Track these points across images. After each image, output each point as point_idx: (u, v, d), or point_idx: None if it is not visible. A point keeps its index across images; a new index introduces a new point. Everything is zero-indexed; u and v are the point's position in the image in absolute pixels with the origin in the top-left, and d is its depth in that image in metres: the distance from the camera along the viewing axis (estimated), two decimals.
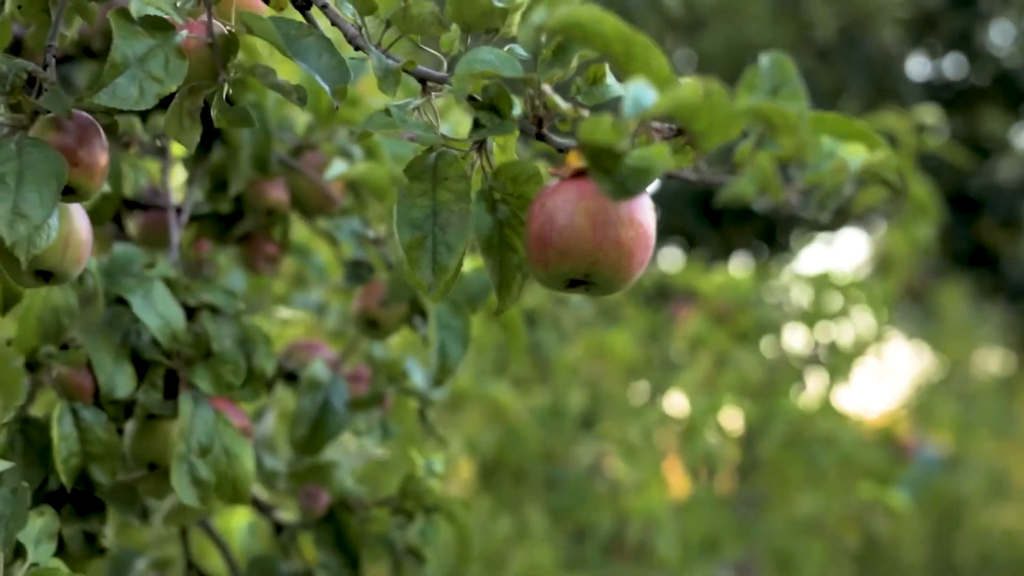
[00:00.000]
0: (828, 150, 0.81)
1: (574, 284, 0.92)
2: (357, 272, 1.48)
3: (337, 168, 1.46)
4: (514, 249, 0.96)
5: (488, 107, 0.94)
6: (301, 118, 1.63)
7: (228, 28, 1.08)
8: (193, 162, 1.53)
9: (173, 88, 1.00)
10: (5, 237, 0.90)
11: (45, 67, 1.05)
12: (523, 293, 0.99)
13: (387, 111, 0.96)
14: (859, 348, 3.98)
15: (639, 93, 0.79)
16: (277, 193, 1.54)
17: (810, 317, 3.94)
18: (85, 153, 1.01)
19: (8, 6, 1.08)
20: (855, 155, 0.80)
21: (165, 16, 1.02)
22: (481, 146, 0.98)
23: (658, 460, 4.06)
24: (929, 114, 3.18)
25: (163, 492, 1.31)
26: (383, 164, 1.51)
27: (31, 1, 1.12)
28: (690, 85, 0.78)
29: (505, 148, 1.02)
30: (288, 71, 1.26)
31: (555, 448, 4.01)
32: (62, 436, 1.16)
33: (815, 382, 4.12)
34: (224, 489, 1.26)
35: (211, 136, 1.54)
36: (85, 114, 1.02)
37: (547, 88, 0.92)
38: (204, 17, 1.07)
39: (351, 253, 1.58)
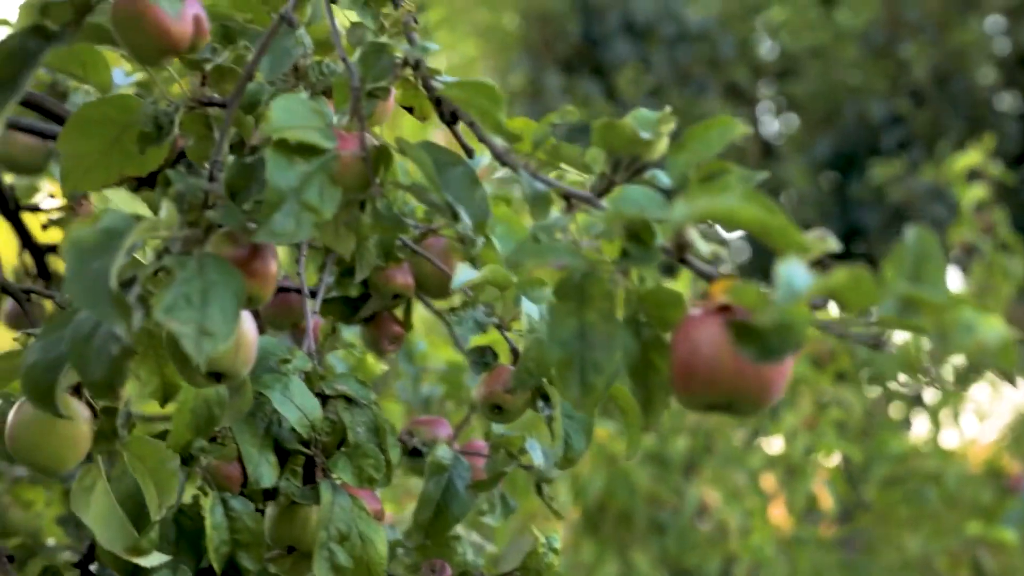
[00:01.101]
0: (967, 324, 0.83)
1: (714, 407, 0.96)
2: (482, 358, 1.53)
3: (464, 275, 1.51)
4: (658, 370, 1.00)
5: (634, 237, 0.99)
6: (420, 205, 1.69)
7: (379, 141, 1.13)
8: (324, 249, 1.59)
9: (328, 216, 1.05)
10: (193, 355, 0.94)
11: (212, 181, 1.11)
12: None
13: (535, 238, 1.00)
14: (963, 384, 3.97)
15: (792, 276, 0.82)
16: (403, 278, 1.60)
17: (911, 355, 3.93)
18: (258, 263, 1.06)
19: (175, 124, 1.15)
20: (993, 330, 0.83)
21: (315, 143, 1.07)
22: (625, 270, 1.02)
23: (763, 503, 4.07)
24: None
25: (300, 573, 1.36)
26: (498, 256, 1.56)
27: (193, 117, 1.19)
28: (841, 272, 0.82)
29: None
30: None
31: (660, 492, 4.04)
32: (214, 526, 1.22)
33: (918, 420, 4.11)
34: (359, 573, 1.31)
35: None
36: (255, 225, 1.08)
37: (690, 229, 0.96)
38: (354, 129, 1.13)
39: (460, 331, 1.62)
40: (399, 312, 1.67)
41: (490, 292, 1.65)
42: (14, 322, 2.01)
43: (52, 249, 2.10)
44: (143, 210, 1.30)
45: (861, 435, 4.09)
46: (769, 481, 4.20)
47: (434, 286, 1.64)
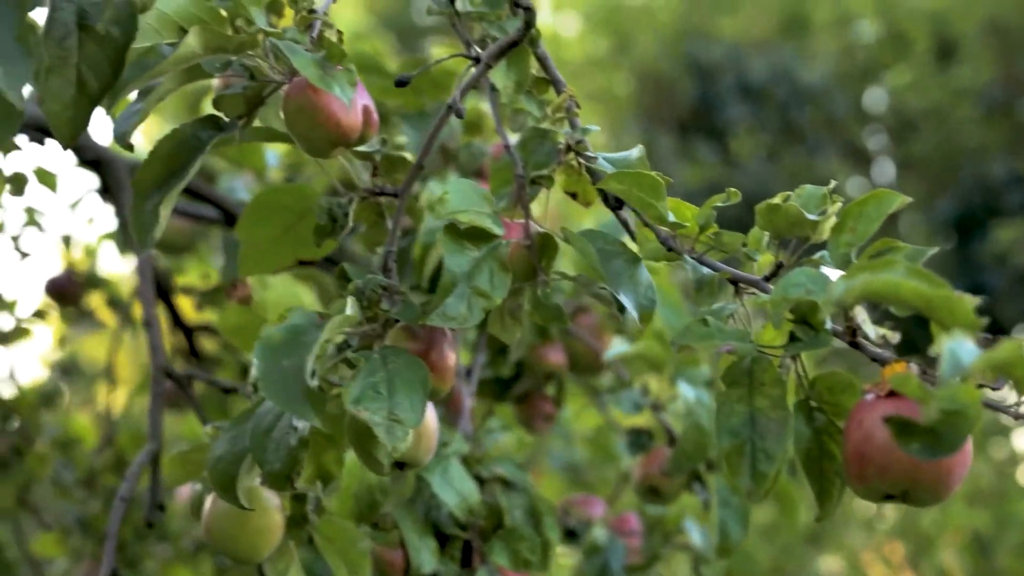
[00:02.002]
0: None
1: (890, 497, 0.94)
2: (638, 440, 1.53)
3: (618, 348, 1.52)
4: (832, 457, 0.98)
5: (802, 321, 0.98)
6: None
7: (544, 229, 1.14)
8: (477, 329, 1.60)
9: (499, 302, 1.06)
10: (384, 442, 0.96)
11: (386, 271, 1.13)
12: None
13: (704, 321, 1.00)
14: None
15: (958, 351, 0.80)
16: (556, 357, 1.61)
17: None
18: (437, 356, 1.08)
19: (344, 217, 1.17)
20: None
21: (486, 228, 1.09)
22: (795, 355, 1.01)
23: (891, 574, 3.99)
24: None
25: None
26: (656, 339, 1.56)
27: (364, 206, 1.21)
28: (1007, 345, 0.80)
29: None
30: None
31: (783, 563, 3.97)
32: None
33: None
34: None
35: None
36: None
37: (859, 310, 0.95)
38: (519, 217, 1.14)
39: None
40: (551, 390, 1.68)
41: (639, 366, 1.65)
42: (172, 402, 2.06)
43: (202, 329, 2.15)
44: (304, 294, 1.34)
45: (990, 501, 3.99)
46: (896, 551, 4.11)
47: (586, 364, 1.66)
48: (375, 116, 1.10)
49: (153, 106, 1.08)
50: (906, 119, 8.02)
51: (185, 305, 2.20)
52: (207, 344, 2.22)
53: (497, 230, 1.08)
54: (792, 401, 1.00)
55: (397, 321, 1.08)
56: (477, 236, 1.08)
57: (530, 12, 1.15)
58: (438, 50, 1.67)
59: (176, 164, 1.06)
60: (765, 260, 1.06)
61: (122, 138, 1.09)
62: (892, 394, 0.92)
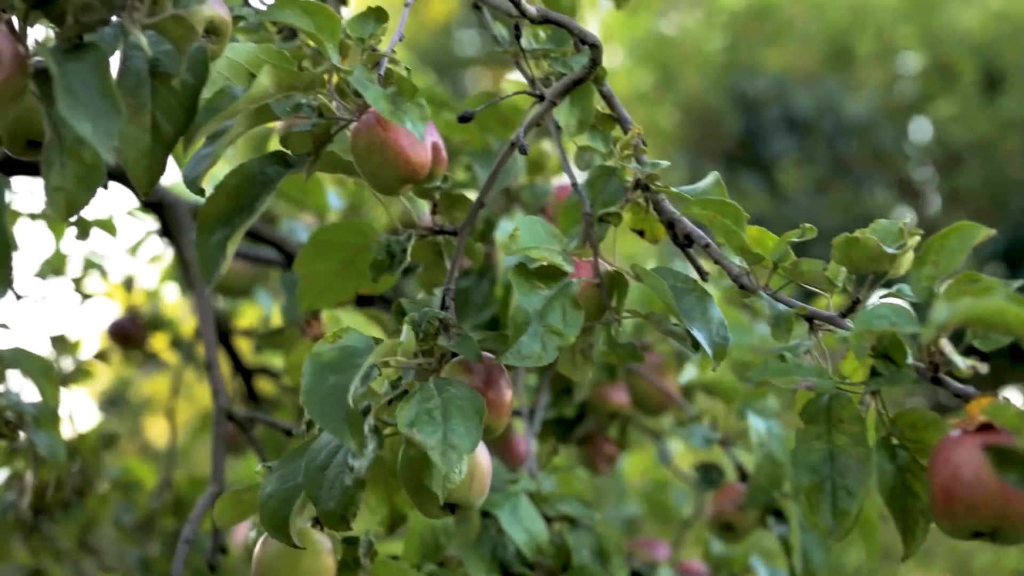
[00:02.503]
0: None
1: (979, 535, 0.92)
2: (708, 476, 1.52)
3: (689, 373, 1.51)
4: (916, 495, 0.97)
5: (883, 356, 0.97)
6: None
7: (614, 267, 1.14)
8: (540, 370, 1.59)
9: (572, 340, 1.05)
10: (439, 466, 0.95)
11: (444, 309, 1.12)
12: None
13: (782, 357, 0.99)
14: None
15: None
16: (620, 397, 1.60)
17: None
18: (493, 393, 1.06)
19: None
20: None
21: (557, 264, 1.08)
22: (875, 391, 0.99)
23: None
24: None
25: None
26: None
27: (422, 245, 1.21)
28: None
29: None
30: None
31: None
32: None
33: None
34: None
35: None
36: (488, 354, 1.09)
37: (944, 343, 0.93)
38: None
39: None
40: (613, 431, 1.67)
41: (701, 402, 1.64)
42: (232, 444, 2.06)
43: (260, 371, 2.15)
44: (375, 331, 1.34)
45: None
46: None
47: (650, 403, 1.64)
48: (444, 153, 1.09)
49: (223, 150, 1.08)
50: (953, 151, 7.96)
51: (244, 347, 2.21)
52: (265, 386, 2.23)
53: (567, 267, 1.08)
54: (873, 438, 0.98)
55: (453, 355, 1.07)
56: (547, 275, 1.08)
57: (596, 49, 1.15)
58: (505, 86, 1.66)
59: (243, 199, 1.06)
60: (838, 296, 1.05)
61: (193, 183, 1.09)
62: (982, 429, 0.91)
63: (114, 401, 3.81)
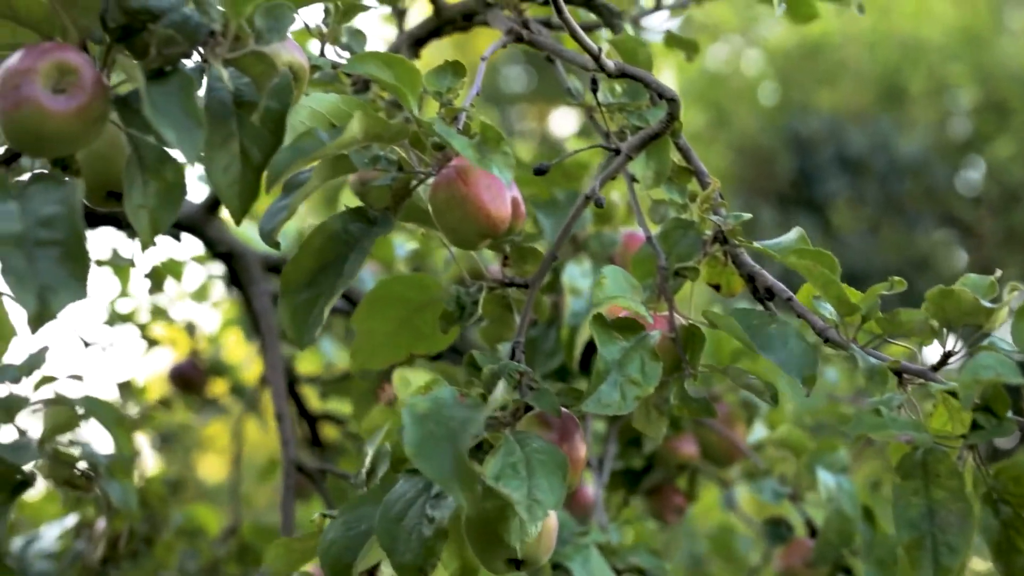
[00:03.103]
0: None
1: None
2: (777, 531, 1.50)
3: (758, 433, 1.50)
4: (1020, 551, 0.95)
5: (984, 408, 0.95)
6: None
7: (689, 320, 1.12)
8: (608, 421, 1.58)
9: (651, 390, 1.04)
10: (525, 520, 0.94)
11: (514, 360, 1.11)
12: None
13: (877, 411, 0.97)
14: None
15: None
16: (689, 448, 1.59)
17: None
18: (569, 448, 1.05)
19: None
20: None
21: (635, 317, 1.07)
22: (973, 444, 0.98)
23: None
24: None
25: None
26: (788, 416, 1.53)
27: (491, 298, 1.20)
28: None
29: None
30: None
31: None
32: None
33: None
34: None
35: None
36: (565, 409, 1.08)
37: None
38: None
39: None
40: (682, 482, 1.65)
41: (773, 454, 1.62)
42: (296, 493, 2.05)
43: (324, 417, 2.15)
44: None
45: None
46: None
47: (719, 454, 1.62)
48: (523, 207, 1.09)
49: (300, 202, 1.07)
50: (1008, 189, 7.89)
51: (309, 394, 2.21)
52: (329, 432, 2.22)
53: (649, 319, 1.07)
54: (972, 492, 0.97)
55: (528, 409, 1.06)
56: (626, 326, 1.07)
57: (674, 104, 1.14)
58: (575, 140, 1.66)
59: (327, 259, 1.05)
60: (924, 343, 1.03)
61: (269, 236, 1.09)
62: None
63: (166, 439, 3.82)
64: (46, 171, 0.89)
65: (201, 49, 0.92)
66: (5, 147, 0.91)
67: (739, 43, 8.36)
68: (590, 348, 1.48)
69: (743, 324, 1.06)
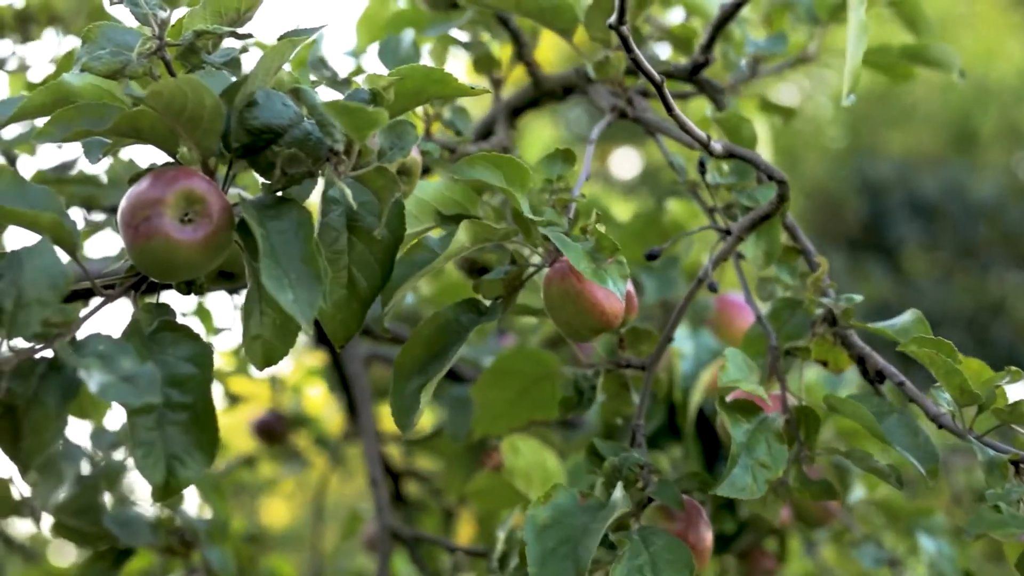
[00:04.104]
0: None
1: None
2: None
3: (858, 492, 1.49)
4: None
5: None
6: None
7: (803, 401, 1.12)
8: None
9: (780, 473, 1.04)
10: None
11: (635, 445, 1.12)
12: None
13: (997, 508, 0.96)
14: None
15: None
16: (781, 513, 1.57)
17: None
18: (694, 538, 1.06)
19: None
20: None
21: (753, 398, 1.08)
22: None
23: None
24: None
25: None
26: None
27: (610, 376, 1.20)
28: None
29: None
30: None
31: None
32: None
33: None
34: None
35: (714, 455, 1.59)
36: (688, 497, 1.08)
37: None
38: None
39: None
40: (772, 545, 1.63)
41: (869, 517, 1.61)
42: (373, 547, 2.06)
43: (408, 474, 2.16)
44: (550, 459, 1.34)
45: None
46: None
47: (811, 517, 1.61)
48: (636, 301, 1.09)
49: (408, 289, 1.08)
50: None
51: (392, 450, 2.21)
52: (412, 488, 2.23)
53: (767, 403, 1.08)
54: None
55: (650, 500, 1.06)
56: (745, 408, 1.08)
57: (784, 185, 1.14)
58: (677, 204, 1.67)
59: (437, 348, 1.05)
60: None
61: (376, 321, 1.10)
62: None
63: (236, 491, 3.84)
64: (178, 321, 0.88)
65: (325, 167, 0.91)
66: (128, 264, 0.91)
67: (807, 86, 8.33)
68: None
69: (870, 410, 1.06)
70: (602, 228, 1.01)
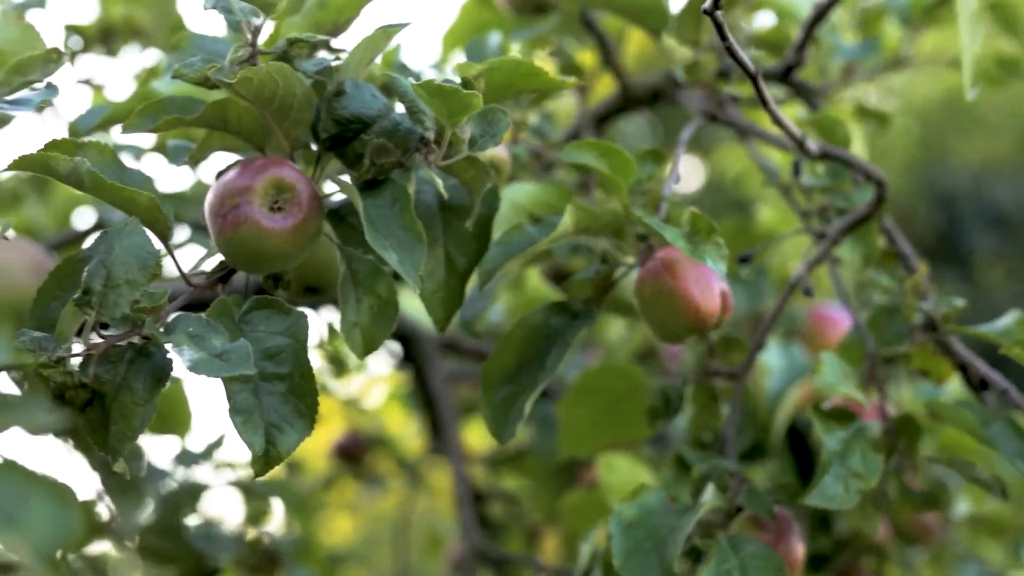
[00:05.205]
0: None
1: None
2: None
3: (962, 508, 1.44)
4: None
5: None
6: None
7: (903, 410, 1.09)
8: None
9: (874, 484, 1.00)
10: None
11: (721, 454, 1.09)
12: None
13: None
14: None
15: None
16: (880, 530, 1.53)
17: None
18: (784, 549, 1.03)
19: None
20: None
21: (850, 405, 1.05)
22: None
23: None
24: None
25: None
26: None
27: (699, 388, 1.18)
28: None
29: None
30: None
31: None
32: None
33: None
34: None
35: (809, 471, 1.55)
36: (780, 508, 1.04)
37: None
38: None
39: None
40: (870, 564, 1.59)
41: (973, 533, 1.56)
42: (459, 568, 2.04)
43: (491, 495, 2.13)
44: (644, 476, 1.31)
45: None
46: None
47: (909, 534, 1.56)
48: (731, 300, 1.05)
49: (505, 270, 1.06)
50: None
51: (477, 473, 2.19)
52: (494, 509, 2.20)
53: (866, 407, 1.05)
54: None
55: (739, 510, 1.03)
56: (840, 416, 1.05)
57: (882, 187, 1.11)
58: (767, 211, 1.63)
59: (528, 354, 1.03)
60: None
61: (469, 325, 1.08)
62: None
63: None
64: (268, 297, 0.87)
65: (415, 157, 0.91)
66: (218, 261, 0.90)
67: (875, 94, 8.25)
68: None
69: (975, 416, 1.04)
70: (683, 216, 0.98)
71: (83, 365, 0.80)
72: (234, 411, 0.80)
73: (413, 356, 1.76)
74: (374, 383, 2.40)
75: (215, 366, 0.77)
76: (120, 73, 1.49)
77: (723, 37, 0.86)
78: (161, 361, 0.81)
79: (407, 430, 2.55)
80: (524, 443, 1.98)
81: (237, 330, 0.84)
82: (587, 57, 1.48)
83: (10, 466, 0.57)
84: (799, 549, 1.04)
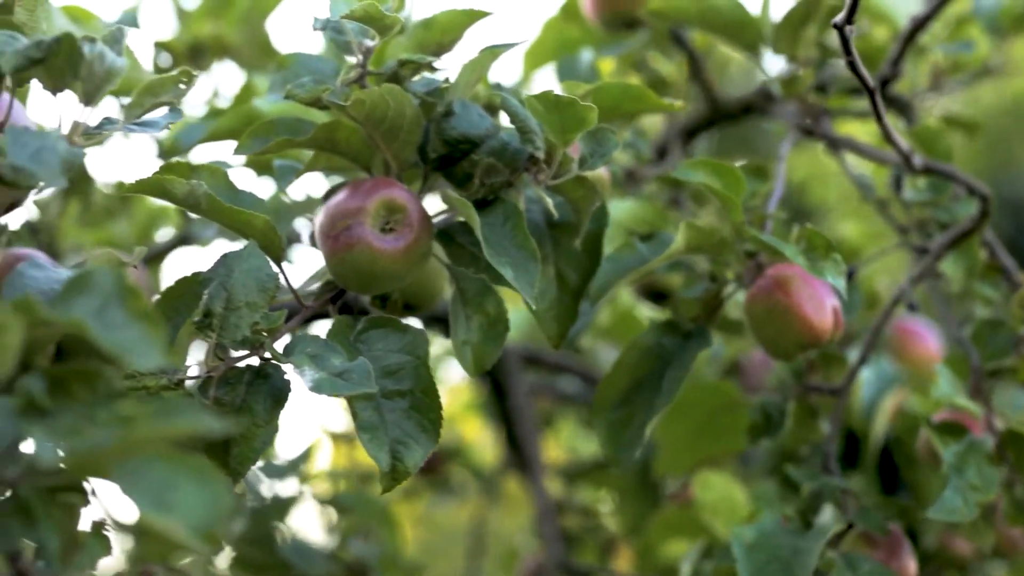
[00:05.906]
0: None
1: None
2: None
3: None
4: None
5: None
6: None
7: (1011, 425, 1.08)
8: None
9: (992, 496, 1.00)
10: None
11: (827, 472, 1.08)
12: None
13: None
14: None
15: None
16: (964, 545, 1.51)
17: None
18: (898, 565, 1.03)
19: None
20: None
21: (959, 418, 1.04)
22: None
23: None
24: None
25: None
26: None
27: (799, 403, 1.17)
28: None
29: None
30: None
31: None
32: None
33: None
34: None
35: (894, 484, 1.53)
36: (893, 525, 1.04)
37: None
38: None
39: None
40: None
41: None
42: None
43: (567, 508, 2.12)
44: (737, 493, 1.30)
45: None
46: None
47: (1000, 546, 1.54)
48: (842, 317, 1.04)
49: (600, 307, 1.06)
50: None
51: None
52: (570, 521, 2.20)
53: (979, 420, 1.05)
54: None
55: (850, 526, 1.02)
56: (950, 430, 1.04)
57: (986, 201, 1.10)
58: (852, 225, 1.62)
59: (640, 375, 1.02)
60: None
61: (571, 340, 1.07)
62: None
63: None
64: (384, 315, 0.88)
65: (524, 176, 0.91)
66: (325, 281, 0.91)
67: (934, 100, 8.18)
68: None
69: None
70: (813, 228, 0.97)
71: (202, 387, 0.81)
72: (361, 428, 0.81)
73: (493, 368, 1.75)
74: (450, 393, 2.40)
75: (337, 385, 0.78)
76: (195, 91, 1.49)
77: (847, 51, 0.85)
78: (279, 382, 0.82)
79: (482, 439, 2.55)
80: (600, 455, 1.97)
81: (354, 350, 0.84)
82: (671, 71, 1.47)
83: (155, 453, 0.58)
84: (912, 565, 1.03)
